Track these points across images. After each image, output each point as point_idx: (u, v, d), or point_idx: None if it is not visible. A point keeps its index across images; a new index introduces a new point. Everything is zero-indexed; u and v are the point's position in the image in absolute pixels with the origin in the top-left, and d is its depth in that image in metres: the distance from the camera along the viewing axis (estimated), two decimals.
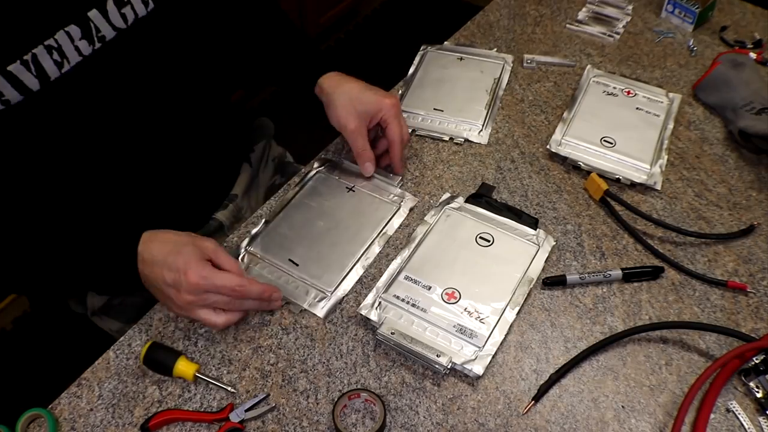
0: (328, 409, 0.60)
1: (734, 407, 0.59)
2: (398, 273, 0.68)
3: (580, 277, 0.68)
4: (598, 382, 0.62)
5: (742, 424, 0.58)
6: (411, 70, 0.95)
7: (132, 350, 0.65)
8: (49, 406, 0.61)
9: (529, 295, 0.68)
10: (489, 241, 0.71)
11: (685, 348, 0.64)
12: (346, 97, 0.73)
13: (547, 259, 0.70)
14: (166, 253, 0.60)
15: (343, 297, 0.68)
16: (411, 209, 0.76)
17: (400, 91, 0.91)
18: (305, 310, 0.67)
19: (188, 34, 0.72)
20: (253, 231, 0.73)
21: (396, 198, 0.76)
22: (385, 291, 0.67)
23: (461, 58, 0.95)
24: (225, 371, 0.63)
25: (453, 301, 0.66)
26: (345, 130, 0.73)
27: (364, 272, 0.70)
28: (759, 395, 0.60)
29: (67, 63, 0.57)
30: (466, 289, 0.67)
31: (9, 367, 1.41)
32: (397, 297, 0.66)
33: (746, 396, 0.60)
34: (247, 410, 0.59)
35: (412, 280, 0.68)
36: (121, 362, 0.64)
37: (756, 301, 0.67)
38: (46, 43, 0.55)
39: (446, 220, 0.74)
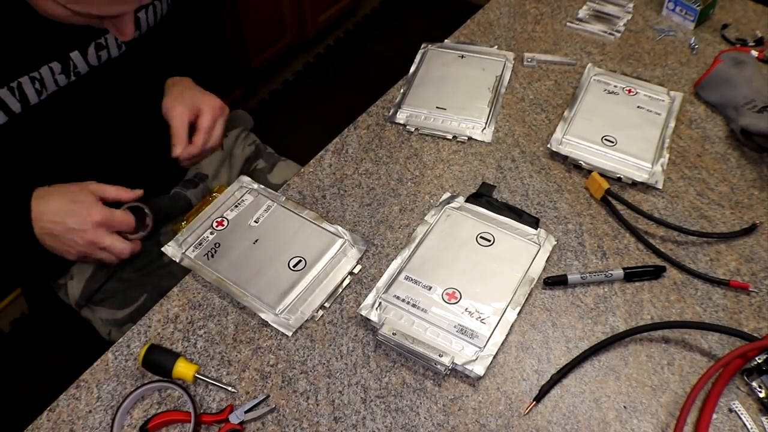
0: (328, 411, 0.60)
1: (737, 407, 0.59)
2: (398, 273, 0.68)
3: (581, 277, 0.68)
4: (600, 383, 0.61)
5: (745, 425, 0.58)
6: (412, 69, 0.94)
7: (131, 352, 0.64)
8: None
9: (530, 295, 0.67)
10: (490, 240, 0.71)
11: (687, 348, 0.64)
12: (179, 89, 0.79)
13: (548, 258, 0.70)
14: (64, 203, 0.67)
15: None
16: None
17: (401, 90, 0.91)
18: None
19: (149, 68, 0.81)
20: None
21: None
22: (386, 291, 0.66)
23: (462, 56, 0.94)
24: (224, 372, 0.63)
25: (453, 301, 0.65)
26: (169, 113, 0.77)
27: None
28: (762, 395, 0.59)
29: (45, 91, 0.67)
30: (467, 289, 0.66)
31: (7, 369, 1.41)
32: (398, 297, 0.66)
33: (749, 396, 0.60)
34: (246, 411, 0.59)
35: (412, 280, 0.67)
36: (119, 364, 0.64)
37: (758, 300, 0.67)
38: (31, 74, 0.65)
39: (446, 219, 0.73)
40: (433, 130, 0.85)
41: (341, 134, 0.86)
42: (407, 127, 0.86)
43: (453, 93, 0.89)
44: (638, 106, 0.86)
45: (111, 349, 0.65)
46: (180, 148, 0.76)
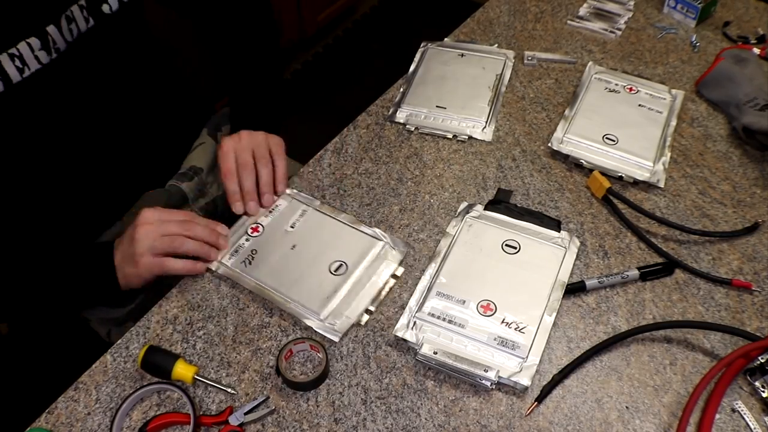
0: (329, 412, 0.60)
1: (740, 407, 0.59)
2: (429, 290, 0.66)
3: (599, 281, 0.67)
4: (602, 383, 0.61)
5: (748, 424, 0.58)
6: (412, 68, 0.94)
7: (129, 353, 0.64)
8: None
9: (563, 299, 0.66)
10: (515, 248, 0.70)
11: (689, 347, 0.63)
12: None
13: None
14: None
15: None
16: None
17: (401, 89, 0.91)
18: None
19: (128, 43, 0.79)
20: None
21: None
22: (419, 310, 0.65)
23: (462, 55, 0.94)
24: (224, 374, 0.62)
25: (489, 313, 0.64)
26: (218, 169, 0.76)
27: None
28: (765, 395, 0.59)
29: (28, 69, 0.66)
30: (501, 300, 0.65)
31: (5, 370, 1.40)
32: (432, 315, 0.64)
33: (752, 396, 0.60)
34: (246, 413, 0.59)
35: (444, 296, 0.66)
36: (118, 365, 0.63)
37: (761, 299, 0.67)
38: (9, 51, 0.64)
39: (468, 230, 0.72)
40: (433, 130, 0.85)
41: (341, 134, 0.86)
42: (407, 126, 0.86)
43: (453, 92, 0.88)
44: (639, 105, 0.85)
45: (110, 350, 0.65)
46: (244, 208, 0.75)
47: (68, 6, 0.69)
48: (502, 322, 0.63)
